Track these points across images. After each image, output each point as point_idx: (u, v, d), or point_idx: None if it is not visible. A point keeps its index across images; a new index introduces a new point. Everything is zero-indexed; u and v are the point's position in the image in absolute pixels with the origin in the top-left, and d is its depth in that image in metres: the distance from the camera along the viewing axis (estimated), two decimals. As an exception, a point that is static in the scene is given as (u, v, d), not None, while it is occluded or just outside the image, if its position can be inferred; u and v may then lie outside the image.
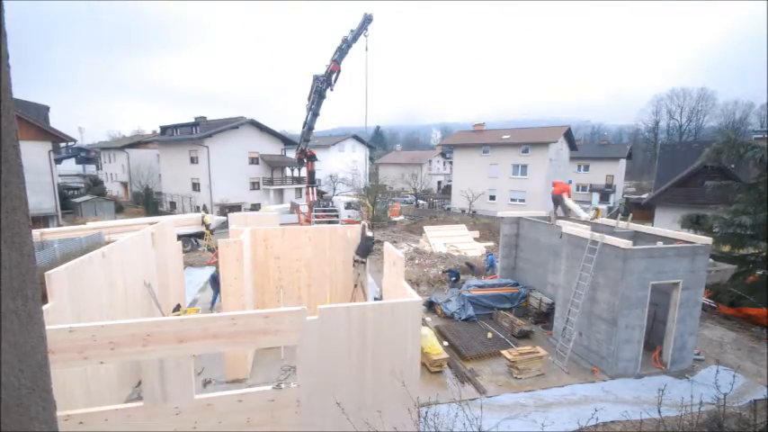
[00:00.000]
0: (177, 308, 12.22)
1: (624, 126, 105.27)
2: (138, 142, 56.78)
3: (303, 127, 26.85)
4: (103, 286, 8.66)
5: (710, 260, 15.18)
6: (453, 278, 17.20)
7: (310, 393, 6.37)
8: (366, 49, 23.92)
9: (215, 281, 14.38)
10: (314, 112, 25.83)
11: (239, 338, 5.99)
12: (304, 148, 27.65)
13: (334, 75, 24.65)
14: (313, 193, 28.88)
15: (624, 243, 10.43)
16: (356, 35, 23.91)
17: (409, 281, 16.41)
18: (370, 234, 12.89)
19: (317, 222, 26.07)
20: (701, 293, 11.30)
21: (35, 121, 26.25)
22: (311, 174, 29.01)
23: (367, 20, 23.70)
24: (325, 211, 28.15)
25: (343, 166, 58.74)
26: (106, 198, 46.20)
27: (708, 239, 11.21)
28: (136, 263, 10.50)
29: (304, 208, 29.50)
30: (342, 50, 24.23)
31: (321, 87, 24.91)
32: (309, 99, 25.72)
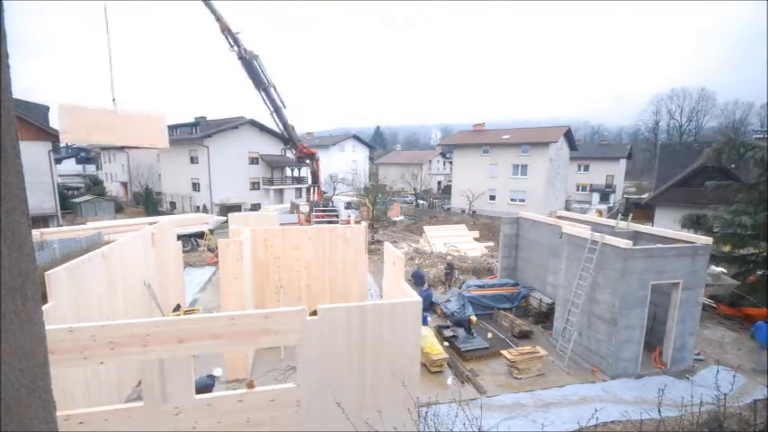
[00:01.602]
0: (177, 308, 12.22)
1: (624, 126, 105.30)
2: (138, 142, 56.67)
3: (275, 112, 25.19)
4: (103, 286, 8.66)
5: (715, 271, 15.16)
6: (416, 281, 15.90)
7: (310, 393, 6.37)
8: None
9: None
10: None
11: (239, 338, 5.99)
12: (293, 136, 26.43)
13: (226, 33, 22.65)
14: (318, 193, 28.82)
15: (624, 243, 10.43)
16: None
17: (409, 281, 16.41)
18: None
19: (317, 222, 26.08)
20: (701, 293, 11.30)
21: (35, 121, 26.26)
22: (315, 173, 28.99)
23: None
24: (325, 211, 28.18)
25: (343, 166, 58.75)
26: (106, 198, 46.22)
27: (708, 239, 11.21)
28: (136, 263, 10.50)
29: (304, 208, 29.52)
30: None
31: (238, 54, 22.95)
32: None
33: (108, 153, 60.94)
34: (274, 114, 25.12)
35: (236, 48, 22.91)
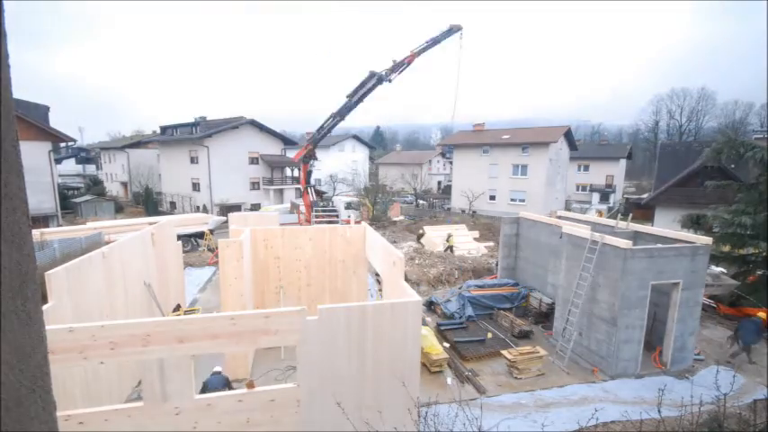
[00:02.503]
0: (177, 308, 12.23)
1: (624, 126, 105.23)
2: (138, 142, 56.75)
3: (332, 118, 26.94)
4: (103, 286, 8.66)
5: (715, 271, 15.16)
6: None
7: (310, 393, 6.37)
8: (461, 48, 25.11)
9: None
10: (360, 98, 25.83)
11: (239, 338, 5.99)
12: (318, 138, 27.95)
13: (404, 66, 24.82)
14: (311, 194, 28.93)
15: (624, 243, 10.43)
16: (438, 40, 24.63)
17: (409, 281, 16.41)
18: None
19: (316, 222, 26.09)
20: (700, 293, 11.30)
21: (35, 121, 26.23)
22: (308, 174, 29.12)
23: (453, 29, 24.50)
24: (325, 211, 28.20)
25: (343, 166, 58.69)
26: (106, 198, 46.23)
27: (708, 239, 11.21)
28: (136, 263, 10.50)
29: (304, 208, 29.55)
30: (424, 49, 24.69)
31: (381, 77, 24.98)
32: (354, 94, 25.83)
33: (108, 153, 60.95)
34: (324, 131, 27.92)
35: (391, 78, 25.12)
